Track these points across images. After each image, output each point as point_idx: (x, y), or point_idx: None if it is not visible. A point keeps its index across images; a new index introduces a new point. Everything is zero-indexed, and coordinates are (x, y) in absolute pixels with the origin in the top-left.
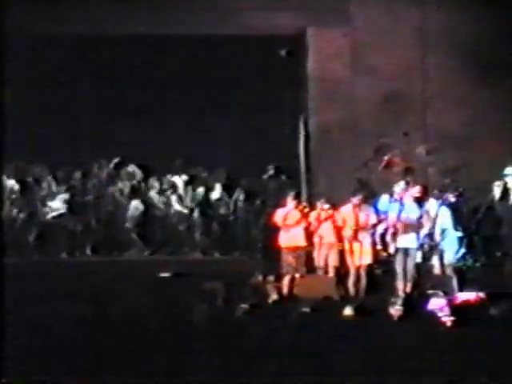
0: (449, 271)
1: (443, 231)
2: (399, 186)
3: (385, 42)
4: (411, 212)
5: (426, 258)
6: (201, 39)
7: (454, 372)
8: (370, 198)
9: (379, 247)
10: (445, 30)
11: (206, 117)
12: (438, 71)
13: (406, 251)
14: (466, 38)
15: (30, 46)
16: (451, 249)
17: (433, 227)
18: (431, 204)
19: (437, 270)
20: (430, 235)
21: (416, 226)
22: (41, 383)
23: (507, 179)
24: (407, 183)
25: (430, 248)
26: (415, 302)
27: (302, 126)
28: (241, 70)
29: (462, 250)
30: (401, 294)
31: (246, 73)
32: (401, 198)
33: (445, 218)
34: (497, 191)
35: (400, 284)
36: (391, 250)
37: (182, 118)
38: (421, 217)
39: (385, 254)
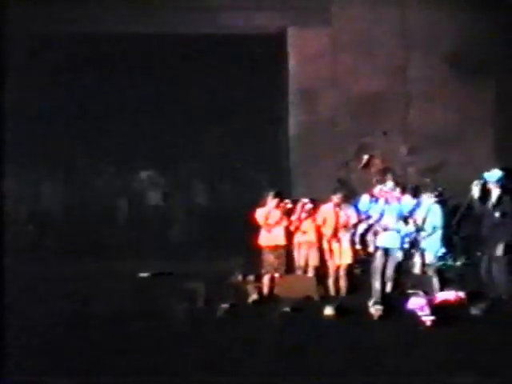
0: (430, 271)
1: (434, 229)
2: (386, 186)
3: (366, 42)
4: (394, 212)
5: (408, 256)
6: (180, 38)
7: (436, 371)
8: (351, 198)
9: (358, 247)
10: (427, 31)
11: (185, 117)
12: (420, 71)
13: (386, 251)
14: (448, 39)
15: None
16: (434, 248)
17: (419, 226)
18: (424, 202)
19: (417, 270)
20: (417, 231)
21: (398, 226)
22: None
23: (490, 183)
24: (397, 184)
25: (412, 246)
26: (396, 302)
27: (282, 126)
28: (220, 70)
29: (442, 250)
30: (376, 293)
31: (226, 72)
32: (386, 199)
33: (436, 216)
34: (475, 191)
35: (376, 283)
36: (371, 249)
37: (162, 118)
38: (405, 217)
39: (364, 255)
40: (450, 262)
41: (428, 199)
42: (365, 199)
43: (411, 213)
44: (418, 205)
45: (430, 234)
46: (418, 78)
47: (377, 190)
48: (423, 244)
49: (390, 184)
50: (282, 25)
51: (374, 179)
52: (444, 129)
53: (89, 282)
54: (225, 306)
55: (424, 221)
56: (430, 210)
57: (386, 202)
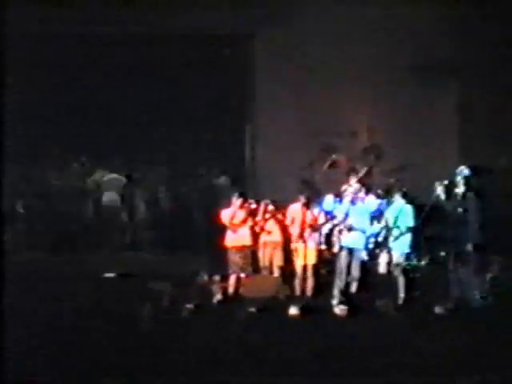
0: (396, 272)
1: (408, 229)
2: (353, 187)
3: (333, 43)
4: (360, 212)
5: (373, 256)
6: (148, 38)
7: (400, 371)
8: (315, 198)
9: (323, 247)
10: (393, 31)
11: (149, 117)
12: (386, 72)
13: (350, 251)
14: (412, 39)
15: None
16: (401, 248)
17: (389, 226)
18: (395, 202)
19: (383, 269)
20: (388, 231)
21: (363, 226)
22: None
23: (458, 178)
24: (363, 184)
25: (378, 246)
26: (362, 302)
27: (247, 127)
28: (188, 70)
29: (407, 250)
30: (338, 292)
31: (193, 72)
32: (353, 199)
33: (407, 216)
34: (440, 190)
35: (339, 282)
36: (335, 249)
37: (126, 118)
38: (374, 217)
39: (329, 255)
40: (414, 262)
41: (399, 199)
42: (329, 199)
43: (378, 213)
44: (385, 205)
45: (402, 234)
46: (382, 78)
47: (343, 190)
48: (391, 244)
49: (355, 185)
50: (250, 25)
51: (351, 177)
52: (409, 129)
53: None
54: (190, 306)
55: (395, 221)
56: (401, 210)
57: (352, 202)
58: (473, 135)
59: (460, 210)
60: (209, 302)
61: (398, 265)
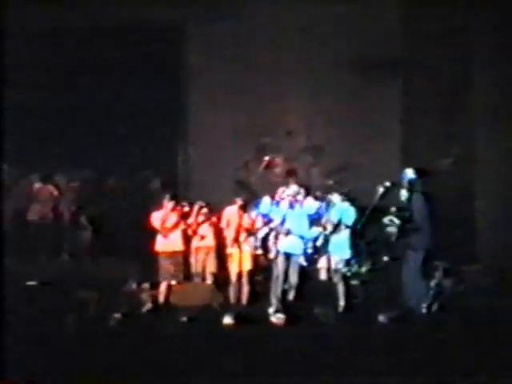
0: (336, 278)
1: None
2: (291, 190)
3: (268, 36)
4: (298, 216)
5: (312, 262)
6: (78, 31)
7: (343, 378)
8: (252, 200)
9: (260, 252)
10: (330, 29)
11: (76, 116)
12: (325, 69)
13: (288, 256)
14: (352, 37)
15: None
16: (340, 254)
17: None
18: (337, 205)
19: (323, 276)
20: (331, 233)
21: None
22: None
23: (403, 181)
24: (300, 186)
25: (316, 251)
26: (299, 310)
27: (179, 127)
28: (118, 69)
29: (346, 255)
30: (275, 300)
31: (123, 67)
32: (291, 202)
33: (350, 219)
34: (381, 193)
35: (276, 289)
36: (272, 254)
37: (51, 120)
38: (310, 220)
39: (266, 261)
40: (355, 268)
41: (341, 201)
42: (266, 202)
43: (317, 216)
44: (324, 208)
45: (349, 238)
46: (321, 76)
47: (280, 192)
48: (330, 248)
49: (293, 187)
50: (183, 18)
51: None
52: (349, 129)
53: None
54: (118, 315)
55: (338, 224)
56: (343, 212)
57: (290, 205)
58: (415, 135)
59: (405, 212)
60: (138, 311)
61: (337, 271)
